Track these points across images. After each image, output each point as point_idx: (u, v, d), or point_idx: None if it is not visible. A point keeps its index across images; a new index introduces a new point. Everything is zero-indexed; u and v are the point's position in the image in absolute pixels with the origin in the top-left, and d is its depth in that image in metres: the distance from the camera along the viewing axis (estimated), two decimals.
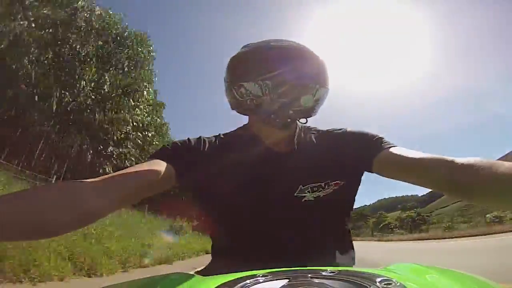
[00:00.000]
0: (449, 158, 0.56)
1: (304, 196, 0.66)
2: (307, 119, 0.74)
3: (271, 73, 0.65)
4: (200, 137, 0.74)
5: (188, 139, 0.72)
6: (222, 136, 0.76)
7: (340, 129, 0.76)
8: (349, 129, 0.75)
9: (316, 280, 0.36)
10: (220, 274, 0.43)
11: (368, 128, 0.72)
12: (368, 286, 0.33)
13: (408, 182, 0.63)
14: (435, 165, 0.57)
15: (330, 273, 0.38)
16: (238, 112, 0.74)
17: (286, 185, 0.66)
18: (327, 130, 0.77)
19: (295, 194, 0.66)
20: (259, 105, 0.67)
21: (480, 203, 0.55)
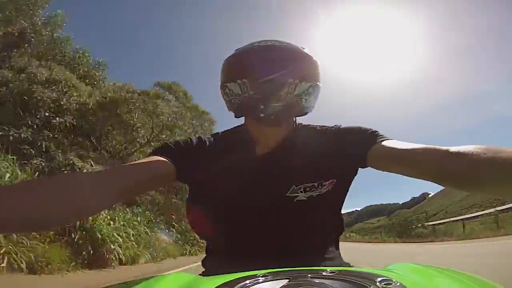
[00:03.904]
0: (443, 147, 0.55)
1: (297, 196, 0.66)
2: (301, 116, 0.73)
3: (248, 72, 0.66)
4: (200, 136, 0.75)
5: (190, 138, 0.73)
6: (220, 135, 0.77)
7: (333, 126, 0.76)
8: (343, 125, 0.75)
9: (316, 280, 0.36)
10: (218, 274, 0.43)
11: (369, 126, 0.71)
12: (368, 286, 0.33)
13: (403, 174, 0.62)
14: (428, 155, 0.56)
15: (330, 273, 0.38)
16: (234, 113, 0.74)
17: (279, 185, 0.66)
18: (321, 127, 0.77)
19: (287, 194, 0.66)
20: (241, 104, 0.68)
21: (475, 191, 0.54)
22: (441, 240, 13.42)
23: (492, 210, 14.60)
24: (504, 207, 13.54)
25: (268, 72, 0.65)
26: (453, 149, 0.53)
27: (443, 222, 19.49)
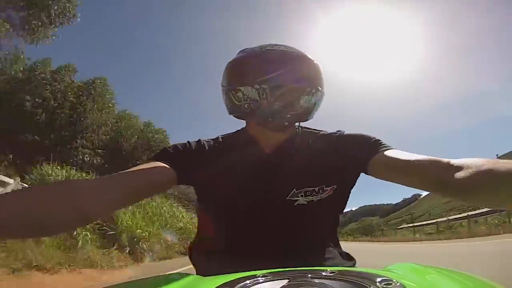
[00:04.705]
0: (445, 159, 0.56)
1: (297, 199, 0.66)
2: (304, 122, 0.73)
3: (267, 77, 0.65)
4: (199, 140, 0.74)
5: (188, 142, 0.73)
6: (220, 139, 0.77)
7: (337, 132, 0.76)
8: (346, 132, 0.75)
9: (316, 280, 0.36)
10: (219, 274, 0.43)
11: (368, 130, 0.72)
12: (368, 286, 0.33)
13: (403, 184, 0.63)
14: (429, 166, 0.57)
15: (330, 273, 0.38)
16: (235, 117, 0.74)
17: (279, 189, 0.66)
18: (324, 132, 0.77)
19: (288, 198, 0.66)
20: (256, 109, 0.66)
21: (474, 202, 0.55)
22: (387, 240, 19.08)
23: (443, 219, 20.66)
24: (455, 216, 19.45)
25: (289, 80, 0.65)
26: (453, 161, 0.54)
27: (400, 228, 27.42)
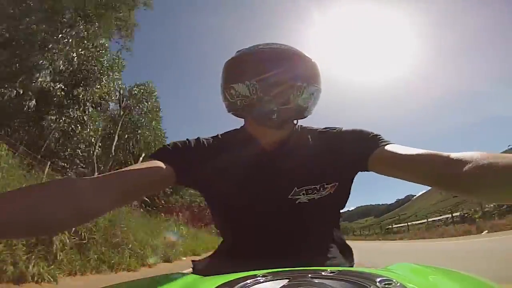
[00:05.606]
0: (444, 153, 0.56)
1: (298, 198, 0.66)
2: (301, 119, 0.74)
3: (258, 74, 0.66)
4: (198, 138, 0.75)
5: (188, 140, 0.73)
6: (220, 137, 0.77)
7: (335, 128, 0.76)
8: (344, 128, 0.75)
9: (316, 280, 0.36)
10: (219, 274, 0.43)
11: (366, 128, 0.72)
12: (368, 286, 0.33)
13: (403, 179, 0.62)
14: (429, 161, 0.57)
15: (330, 273, 0.38)
16: (234, 115, 0.75)
17: (280, 187, 0.66)
18: (323, 129, 0.77)
19: (289, 196, 0.66)
20: (248, 105, 0.68)
21: (475, 197, 0.55)
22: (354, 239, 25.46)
23: (414, 222, 24.14)
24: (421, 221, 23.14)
25: (279, 75, 0.66)
26: (454, 155, 0.54)
27: (389, 228, 30.57)
